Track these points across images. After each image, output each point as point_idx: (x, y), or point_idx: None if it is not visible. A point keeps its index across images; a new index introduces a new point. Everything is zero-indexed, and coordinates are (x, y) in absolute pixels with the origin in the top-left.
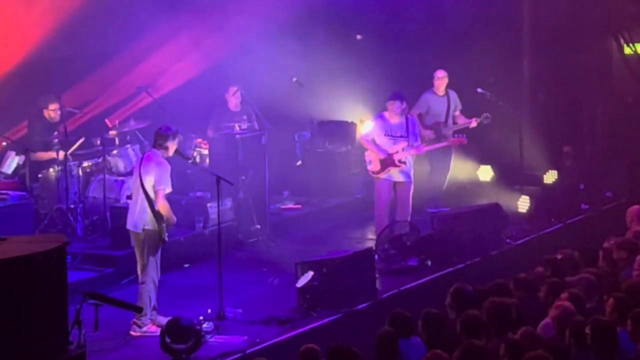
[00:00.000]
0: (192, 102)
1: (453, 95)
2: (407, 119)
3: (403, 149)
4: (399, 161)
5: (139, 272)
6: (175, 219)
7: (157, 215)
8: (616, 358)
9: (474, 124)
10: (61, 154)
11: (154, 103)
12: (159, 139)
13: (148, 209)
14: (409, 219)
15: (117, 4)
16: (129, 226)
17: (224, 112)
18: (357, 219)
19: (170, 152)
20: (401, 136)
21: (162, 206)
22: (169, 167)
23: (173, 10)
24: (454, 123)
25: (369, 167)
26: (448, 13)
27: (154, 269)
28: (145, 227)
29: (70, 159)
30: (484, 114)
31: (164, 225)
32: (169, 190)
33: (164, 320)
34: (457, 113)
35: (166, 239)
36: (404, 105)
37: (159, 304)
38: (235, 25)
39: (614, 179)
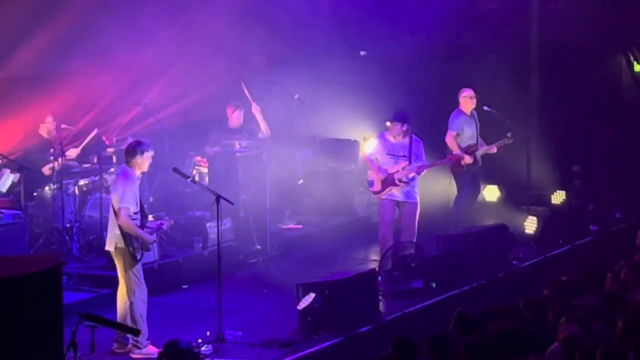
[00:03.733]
0: (191, 119)
1: (475, 115)
2: (411, 138)
3: (403, 168)
4: (399, 180)
5: (121, 292)
6: (149, 238)
7: (124, 233)
8: None
9: (494, 149)
10: (59, 160)
11: (153, 120)
12: (127, 155)
13: (117, 228)
14: (414, 240)
15: (118, 19)
16: (106, 246)
17: (222, 130)
18: (360, 239)
19: (143, 168)
20: (403, 156)
21: (125, 224)
22: (134, 185)
23: (174, 28)
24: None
25: (370, 188)
26: (454, 30)
27: (138, 287)
28: (118, 246)
29: (74, 156)
30: (508, 134)
31: (135, 243)
32: (133, 209)
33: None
34: None
35: (138, 256)
36: (405, 127)
37: (154, 326)
38: (237, 43)
39: (624, 199)
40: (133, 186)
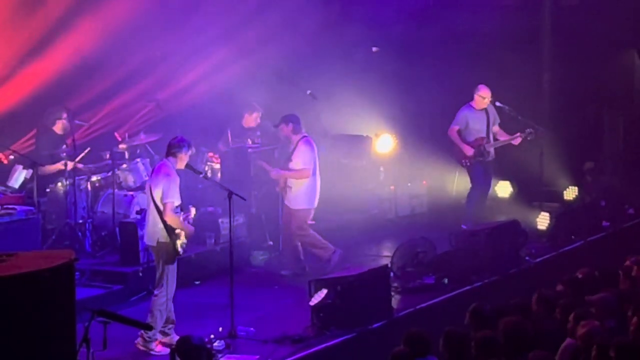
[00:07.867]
0: (203, 115)
1: (492, 109)
2: (299, 141)
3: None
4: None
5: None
6: (191, 229)
7: (168, 227)
8: None
9: (518, 140)
10: (69, 164)
11: (165, 116)
12: (172, 147)
13: (160, 222)
14: (288, 246)
15: (131, 16)
16: (146, 240)
17: (237, 128)
18: (372, 235)
19: (182, 164)
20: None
21: (171, 219)
22: (177, 179)
23: (185, 25)
24: (495, 139)
25: None
26: (467, 27)
27: (167, 283)
28: (160, 240)
29: (82, 167)
30: (528, 130)
31: (177, 237)
32: (177, 202)
33: (176, 338)
34: (496, 128)
35: (180, 251)
36: (290, 127)
37: None
38: (248, 39)
39: (636, 195)
40: (176, 180)
